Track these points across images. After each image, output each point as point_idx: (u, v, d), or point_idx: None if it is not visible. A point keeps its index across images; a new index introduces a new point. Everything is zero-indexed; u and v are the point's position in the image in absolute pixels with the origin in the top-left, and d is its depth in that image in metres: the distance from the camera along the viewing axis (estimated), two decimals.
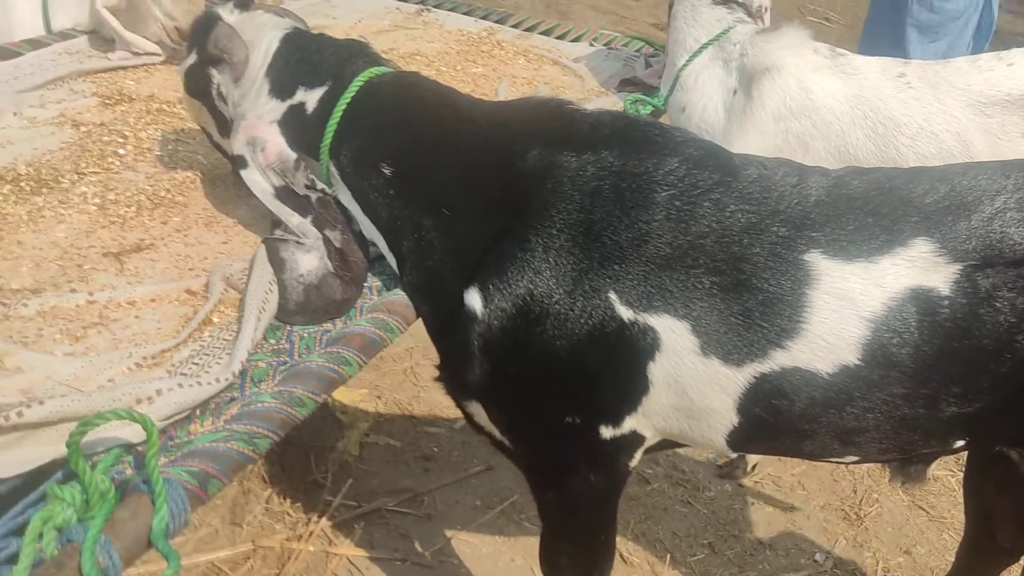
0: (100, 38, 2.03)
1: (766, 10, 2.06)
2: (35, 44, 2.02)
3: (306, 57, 1.29)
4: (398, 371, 2.54)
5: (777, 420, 1.11)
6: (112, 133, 1.63)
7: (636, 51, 2.48)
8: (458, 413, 2.44)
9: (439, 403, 2.44)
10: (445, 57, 2.25)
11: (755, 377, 1.08)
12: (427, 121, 1.22)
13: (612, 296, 1.08)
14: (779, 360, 1.06)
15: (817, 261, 1.05)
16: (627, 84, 2.25)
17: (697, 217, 1.08)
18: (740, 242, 1.07)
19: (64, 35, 2.08)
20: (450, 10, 2.63)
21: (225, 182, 1.53)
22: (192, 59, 1.35)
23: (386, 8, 2.59)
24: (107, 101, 1.78)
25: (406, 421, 2.42)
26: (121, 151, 1.58)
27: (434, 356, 1.27)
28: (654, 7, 6.30)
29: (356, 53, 1.29)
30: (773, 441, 1.17)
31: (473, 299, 1.12)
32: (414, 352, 2.58)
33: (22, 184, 1.42)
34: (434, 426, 2.41)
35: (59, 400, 0.94)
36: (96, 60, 1.93)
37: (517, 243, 1.10)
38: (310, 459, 2.19)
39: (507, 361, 1.14)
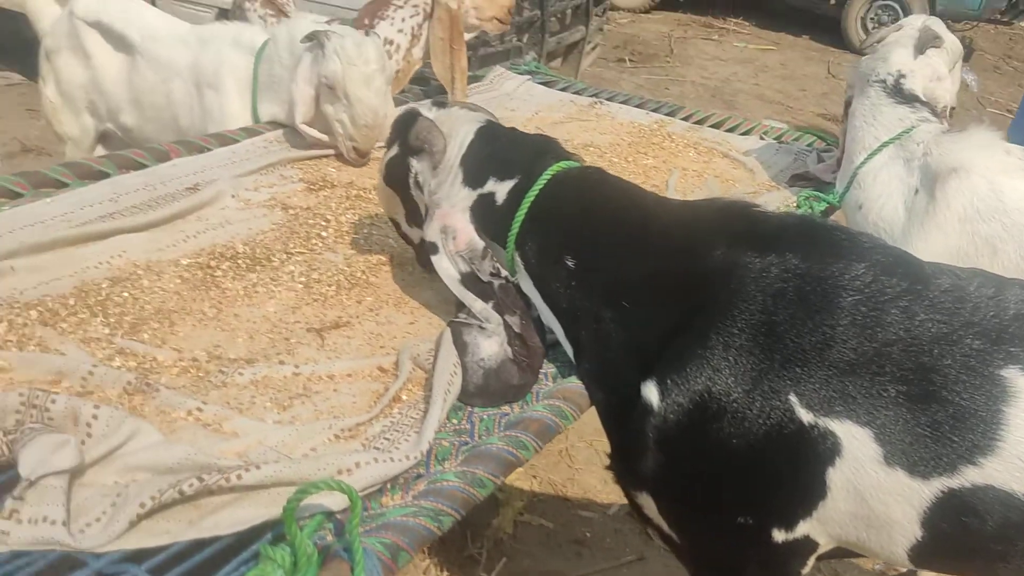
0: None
1: (951, 109, 2.03)
2: (250, 132, 2.24)
3: (498, 150, 1.38)
4: (553, 452, 2.58)
5: (966, 539, 1.07)
6: (316, 217, 1.79)
7: (807, 145, 2.48)
8: (612, 498, 2.45)
9: (593, 487, 2.45)
10: (617, 148, 2.33)
11: (943, 492, 1.05)
12: (612, 217, 1.28)
13: (792, 398, 1.08)
14: (970, 476, 1.03)
15: (1016, 378, 1.02)
16: (799, 179, 2.25)
17: (884, 324, 1.08)
18: (930, 352, 1.05)
19: (272, 125, 2.29)
20: (622, 103, 2.73)
21: (412, 265, 1.64)
22: (394, 151, 1.46)
23: (561, 101, 2.71)
24: (312, 187, 1.95)
25: (560, 503, 2.44)
26: (323, 233, 1.72)
27: (589, 439, 1.30)
28: (821, 97, 6.25)
29: (546, 148, 1.38)
30: (961, 560, 1.12)
31: (650, 392, 1.15)
32: (569, 434, 2.61)
33: (239, 261, 1.57)
34: (588, 510, 2.42)
35: (272, 465, 1.04)
36: (301, 149, 2.12)
37: (697, 340, 1.13)
38: (466, 534, 2.24)
39: (681, 456, 1.16)
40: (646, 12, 8.05)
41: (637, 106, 2.71)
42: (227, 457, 1.09)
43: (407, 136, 1.41)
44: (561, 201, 1.30)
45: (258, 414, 1.19)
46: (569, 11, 4.74)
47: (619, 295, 1.20)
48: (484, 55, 3.97)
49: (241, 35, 2.33)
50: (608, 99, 2.75)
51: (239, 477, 1.00)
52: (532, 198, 1.29)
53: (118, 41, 2.55)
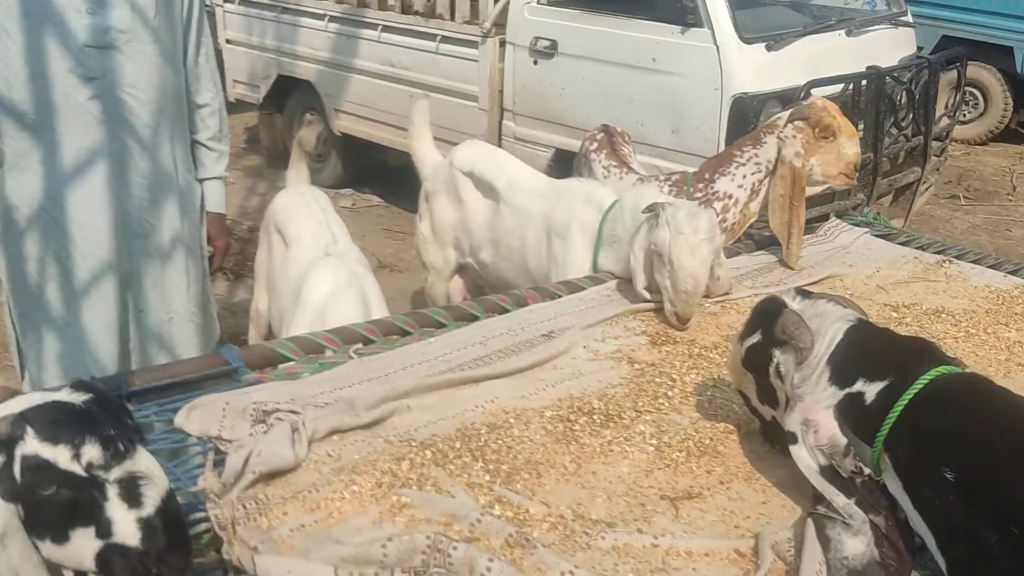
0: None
1: None
2: (594, 280, 2.41)
3: (869, 350, 1.38)
4: None
5: None
6: (661, 375, 1.87)
7: None
8: None
9: None
10: (972, 317, 2.20)
11: None
12: (1002, 434, 1.23)
13: None
14: None
15: None
16: None
17: None
18: None
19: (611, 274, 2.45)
20: (973, 262, 2.57)
21: (757, 437, 1.65)
22: (756, 338, 1.51)
23: (904, 257, 2.61)
24: (655, 341, 2.06)
25: None
26: (669, 393, 1.80)
27: None
28: None
29: (922, 351, 1.36)
30: None
31: None
32: None
33: (594, 417, 1.69)
34: None
35: None
36: (642, 301, 2.24)
37: None
38: None
39: None
40: (982, 144, 7.55)
41: (992, 266, 2.55)
42: None
43: (772, 327, 1.46)
44: (941, 409, 1.27)
45: None
46: (903, 152, 4.59)
47: (1007, 519, 1.14)
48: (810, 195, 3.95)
49: (593, 194, 2.55)
50: (957, 257, 2.61)
51: None
52: (907, 402, 1.28)
53: (487, 189, 2.89)
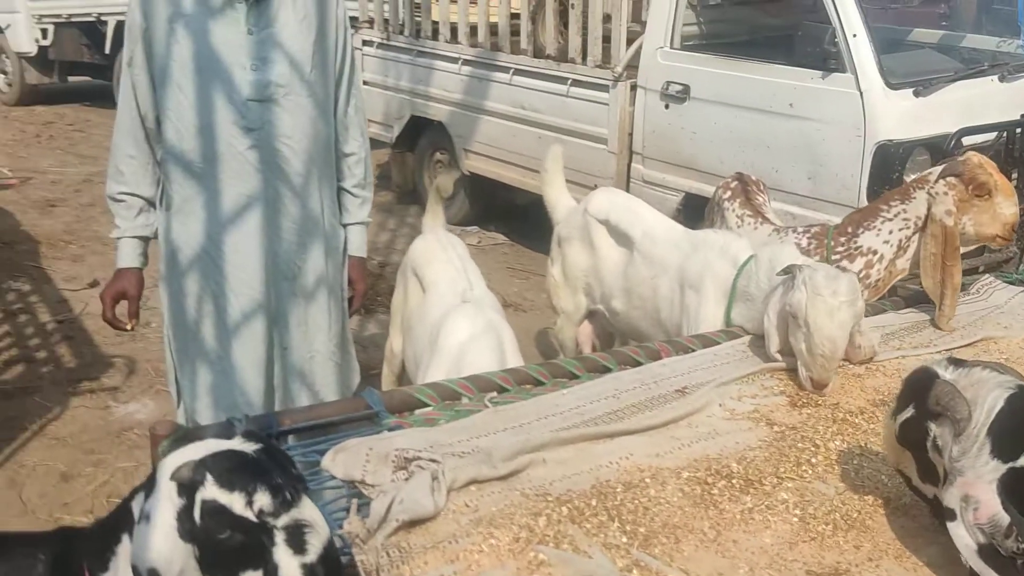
0: None
1: None
2: (729, 335, 2.37)
3: None
4: None
5: None
6: (803, 439, 1.82)
7: None
8: None
9: None
10: None
11: None
12: None
13: None
14: None
15: None
16: None
17: None
18: None
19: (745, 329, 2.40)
20: None
21: (908, 512, 1.58)
22: (909, 412, 1.45)
23: None
24: (795, 402, 2.00)
25: None
26: (813, 460, 1.74)
27: None
28: None
29: None
30: None
31: None
32: None
33: (734, 481, 1.66)
34: None
35: None
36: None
37: None
38: None
39: None
40: None
41: None
42: None
43: (925, 400, 1.40)
44: None
45: None
46: None
47: None
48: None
49: (728, 247, 2.51)
50: None
51: None
52: None
53: (621, 237, 2.89)
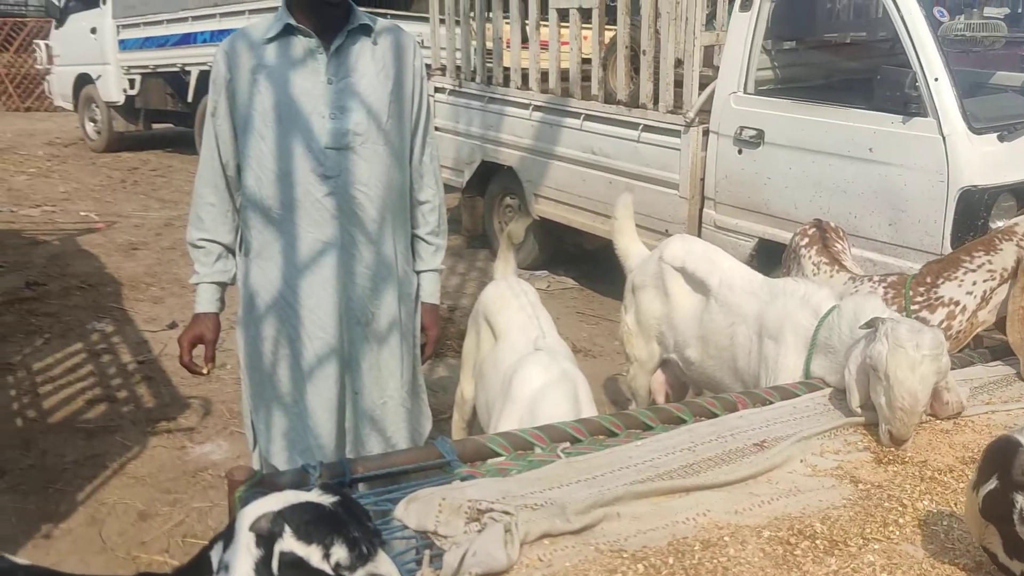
0: None
1: None
2: (809, 387, 2.30)
3: None
4: None
5: None
6: (890, 498, 1.74)
7: None
8: None
9: None
10: None
11: None
12: None
13: None
14: None
15: None
16: None
17: None
18: None
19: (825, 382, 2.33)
20: None
21: None
22: (992, 484, 1.38)
23: None
24: (880, 459, 1.92)
25: None
26: (900, 520, 1.67)
27: None
28: None
29: None
30: None
31: None
32: None
33: (817, 542, 1.59)
34: None
35: None
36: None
37: None
38: None
39: None
40: None
41: None
42: None
43: (1010, 470, 1.33)
44: None
45: None
46: None
47: None
48: None
49: (810, 297, 2.44)
50: None
51: None
52: None
53: (697, 285, 2.85)
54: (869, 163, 4.07)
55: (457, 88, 6.95)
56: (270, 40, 2.26)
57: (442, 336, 4.72)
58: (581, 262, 6.72)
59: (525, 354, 2.52)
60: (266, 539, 1.12)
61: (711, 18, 5.47)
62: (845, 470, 1.88)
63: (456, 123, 6.95)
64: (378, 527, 1.67)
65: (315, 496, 1.17)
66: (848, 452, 1.97)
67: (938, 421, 2.07)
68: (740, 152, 4.70)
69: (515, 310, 2.80)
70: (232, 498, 1.68)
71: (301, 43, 2.26)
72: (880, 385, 1.98)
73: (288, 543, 1.11)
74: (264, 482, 1.72)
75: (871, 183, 4.07)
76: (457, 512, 1.62)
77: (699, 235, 4.85)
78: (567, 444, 1.99)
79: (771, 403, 2.21)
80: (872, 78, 4.19)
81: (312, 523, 1.12)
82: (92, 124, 12.00)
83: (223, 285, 2.45)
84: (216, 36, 9.35)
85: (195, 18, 9.77)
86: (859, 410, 2.07)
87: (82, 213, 8.38)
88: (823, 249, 3.01)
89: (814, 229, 3.09)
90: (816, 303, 2.42)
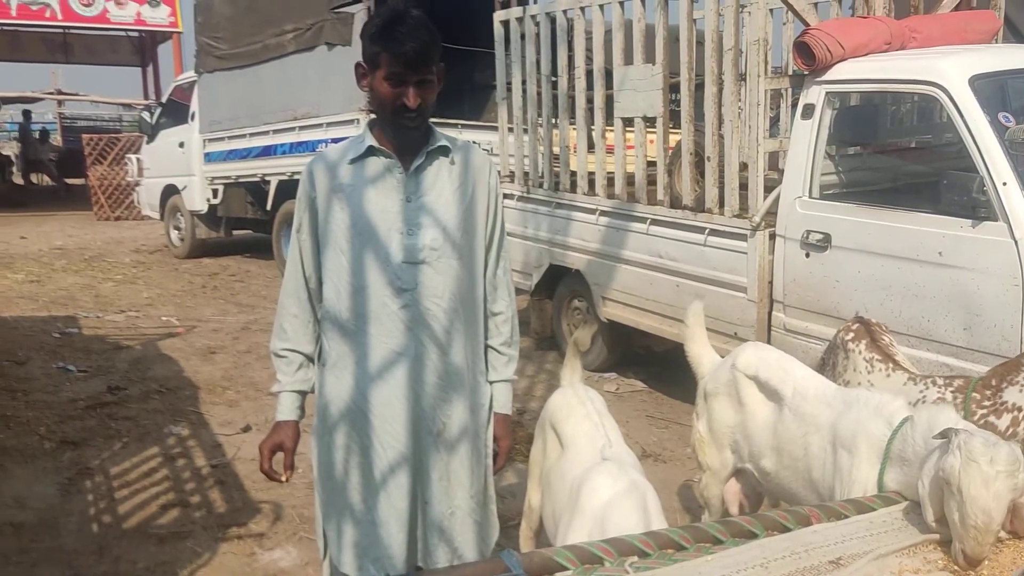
0: None
1: None
2: (886, 500, 2.24)
3: None
4: None
5: None
6: None
7: None
8: None
9: None
10: None
11: None
12: None
13: None
14: None
15: None
16: None
17: None
18: None
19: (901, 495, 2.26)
20: None
21: None
22: None
23: None
24: None
25: None
26: None
27: None
28: None
29: None
30: None
31: None
32: None
33: None
34: None
35: None
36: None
37: None
38: None
39: None
40: None
41: None
42: None
43: None
44: None
45: None
46: None
47: None
48: None
49: (883, 407, 2.41)
50: None
51: None
52: None
53: (771, 393, 2.83)
54: (939, 267, 4.02)
55: (525, 194, 7.13)
56: (353, 161, 2.39)
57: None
58: (650, 364, 6.69)
59: (592, 464, 2.52)
60: None
61: (775, 122, 5.55)
62: None
63: (524, 228, 7.10)
64: None
65: None
66: (928, 571, 1.90)
67: (1022, 540, 1.99)
68: (808, 255, 4.69)
69: (581, 418, 2.81)
70: None
71: (381, 163, 2.39)
72: (953, 501, 1.92)
73: None
74: None
75: (943, 287, 4.01)
76: None
77: (768, 338, 4.81)
78: (635, 558, 1.97)
79: (846, 517, 2.15)
80: (938, 182, 4.18)
81: None
82: (176, 232, 12.60)
83: (303, 394, 2.53)
84: (295, 148, 9.82)
85: (276, 131, 10.28)
86: (935, 525, 2.01)
87: (164, 318, 8.70)
88: (872, 344, 2.98)
89: (858, 324, 3.07)
90: (890, 413, 2.38)
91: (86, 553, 3.98)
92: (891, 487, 2.29)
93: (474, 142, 2.63)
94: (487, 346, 2.56)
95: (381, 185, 2.39)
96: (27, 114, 22.43)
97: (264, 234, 11.22)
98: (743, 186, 5.23)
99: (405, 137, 2.38)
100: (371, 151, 2.39)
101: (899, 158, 5.36)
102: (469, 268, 2.46)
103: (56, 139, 23.86)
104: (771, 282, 4.97)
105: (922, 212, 4.16)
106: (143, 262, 12.10)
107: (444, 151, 2.42)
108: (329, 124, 9.16)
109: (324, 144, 8.54)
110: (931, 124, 5.59)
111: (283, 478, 2.50)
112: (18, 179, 21.46)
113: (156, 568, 3.85)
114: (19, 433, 5.44)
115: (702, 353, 3.37)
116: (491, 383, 2.56)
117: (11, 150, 23.79)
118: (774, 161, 5.68)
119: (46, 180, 21.81)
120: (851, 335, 3.02)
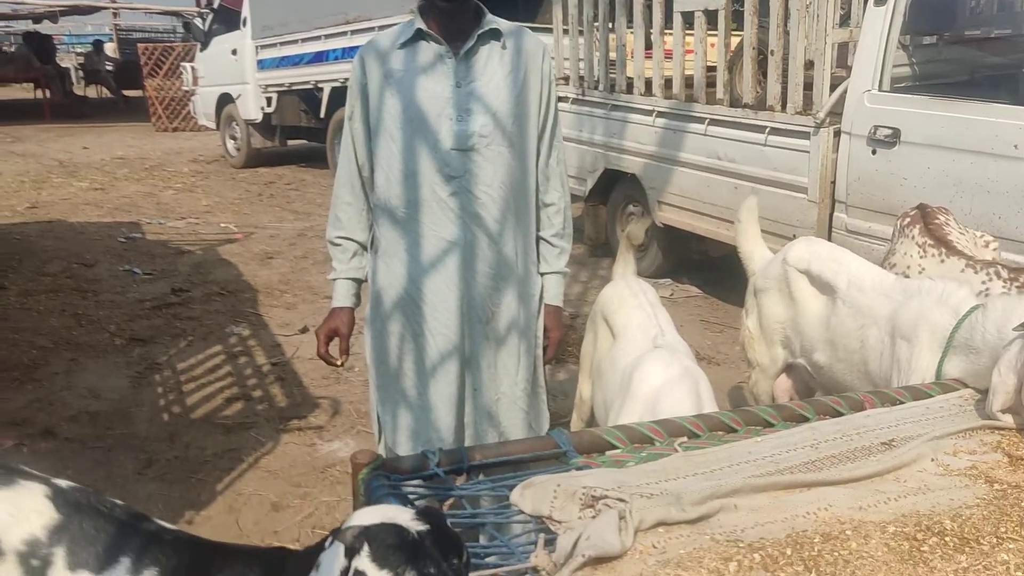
0: None
1: None
2: (944, 387, 2.20)
3: None
4: None
5: None
6: None
7: None
8: None
9: None
10: None
11: None
12: None
13: None
14: None
15: None
16: None
17: None
18: None
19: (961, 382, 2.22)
20: None
21: None
22: None
23: None
24: (1016, 461, 1.82)
25: None
26: None
27: None
28: None
29: None
30: None
31: None
32: None
33: (947, 539, 1.52)
34: None
35: None
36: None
37: None
38: None
39: None
40: None
41: None
42: None
43: None
44: None
45: None
46: None
47: None
48: None
49: (949, 295, 2.34)
50: None
51: None
52: None
53: (824, 287, 2.77)
54: (1015, 160, 3.85)
55: (580, 97, 6.98)
56: (402, 46, 2.35)
57: (564, 342, 4.77)
58: (706, 270, 6.62)
59: (644, 351, 2.51)
60: (349, 552, 1.15)
61: (845, 18, 5.30)
62: (980, 470, 1.79)
63: (579, 132, 6.98)
64: (496, 511, 1.72)
65: (408, 519, 1.19)
66: (984, 452, 1.87)
67: None
68: (874, 152, 4.53)
69: (633, 308, 2.79)
70: (355, 480, 1.75)
71: (431, 48, 2.34)
72: None
73: (363, 562, 1.13)
74: (386, 466, 1.79)
75: (1017, 181, 3.85)
76: (572, 498, 1.64)
77: (829, 239, 4.70)
78: (685, 439, 1.97)
79: (901, 403, 2.12)
80: (1017, 73, 3.97)
81: (391, 548, 1.13)
82: (232, 141, 12.70)
83: (358, 281, 2.55)
84: (347, 53, 9.73)
85: (327, 36, 10.18)
86: (999, 414, 1.97)
87: (222, 225, 8.86)
88: (925, 230, 2.88)
89: (916, 211, 2.97)
90: (956, 302, 2.31)
91: (158, 440, 4.17)
92: (951, 375, 2.24)
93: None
94: (539, 237, 2.54)
95: (431, 71, 2.34)
96: (98, 44, 22.75)
97: (319, 143, 11.25)
98: (807, 85, 5.04)
99: (455, 20, 2.32)
100: (420, 35, 2.34)
101: (976, 48, 5.10)
102: (520, 157, 2.42)
103: (114, 50, 24.04)
104: (833, 182, 4.83)
105: (998, 103, 3.97)
106: (201, 171, 12.27)
107: (495, 35, 2.36)
108: (381, 27, 9.01)
109: None
110: (1011, 14, 5.29)
111: (339, 362, 2.55)
112: (79, 90, 21.75)
113: (224, 454, 4.02)
114: (91, 331, 5.66)
115: (754, 250, 3.30)
116: (542, 275, 2.55)
117: (71, 62, 24.08)
118: (843, 59, 5.45)
119: (105, 92, 22.08)
120: (907, 220, 2.92)
